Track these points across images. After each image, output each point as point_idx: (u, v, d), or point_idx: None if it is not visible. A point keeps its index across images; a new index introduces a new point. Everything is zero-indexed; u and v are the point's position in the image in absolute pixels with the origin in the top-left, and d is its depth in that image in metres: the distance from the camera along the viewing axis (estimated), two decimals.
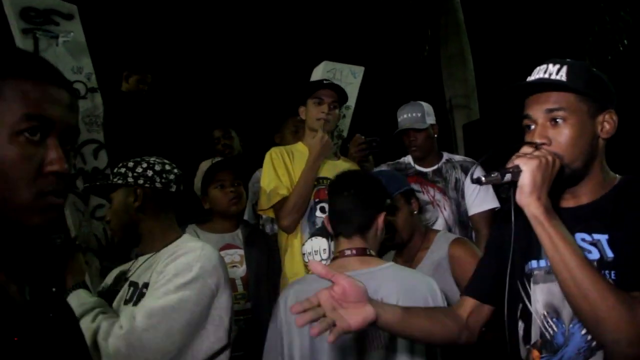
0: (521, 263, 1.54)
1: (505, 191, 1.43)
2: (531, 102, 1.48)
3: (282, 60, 8.03)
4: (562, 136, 1.41)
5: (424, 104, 3.38)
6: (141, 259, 1.95)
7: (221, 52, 8.10)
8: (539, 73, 1.49)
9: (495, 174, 1.34)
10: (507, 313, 1.47)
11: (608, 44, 7.17)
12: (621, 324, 1.23)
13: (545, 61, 1.50)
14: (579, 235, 1.42)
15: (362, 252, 1.95)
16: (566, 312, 1.44)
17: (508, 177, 1.33)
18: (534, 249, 1.51)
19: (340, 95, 2.92)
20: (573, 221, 1.39)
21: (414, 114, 3.30)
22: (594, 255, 1.40)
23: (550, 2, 7.65)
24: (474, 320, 1.65)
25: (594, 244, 1.42)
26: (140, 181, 1.92)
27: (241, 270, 2.83)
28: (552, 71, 1.46)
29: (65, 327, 1.07)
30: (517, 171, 1.33)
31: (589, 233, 1.43)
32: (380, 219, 1.99)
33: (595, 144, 1.46)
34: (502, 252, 1.60)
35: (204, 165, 2.96)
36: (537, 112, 1.45)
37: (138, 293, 1.81)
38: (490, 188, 3.22)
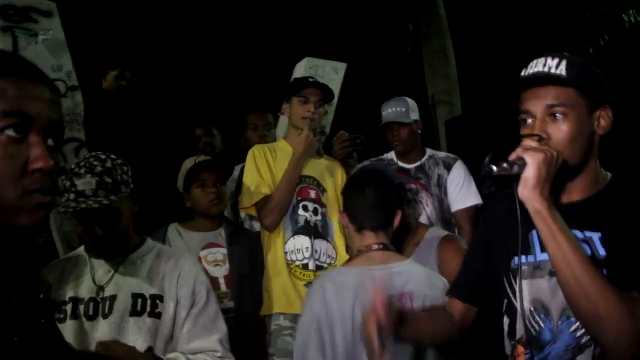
0: (506, 258, 1.53)
1: (488, 187, 1.41)
2: (529, 96, 1.44)
3: (263, 57, 8.00)
4: (562, 132, 1.38)
5: (408, 99, 3.38)
6: (106, 264, 1.89)
7: (202, 49, 8.05)
8: (537, 66, 1.45)
9: (505, 165, 1.30)
10: (493, 308, 1.49)
11: (589, 39, 7.23)
12: (622, 323, 1.22)
13: (543, 54, 1.46)
14: None
15: (386, 247, 2.01)
16: (555, 308, 1.43)
17: (515, 169, 1.30)
18: (523, 244, 1.48)
19: (325, 93, 2.90)
20: (565, 217, 1.34)
21: (398, 109, 3.30)
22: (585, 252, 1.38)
23: None
24: (463, 320, 1.67)
25: (586, 241, 1.40)
26: (132, 185, 1.88)
27: (224, 268, 2.80)
28: (551, 65, 1.42)
29: (55, 334, 1.07)
30: (521, 164, 1.29)
31: (581, 230, 1.41)
32: (399, 216, 2.08)
33: (592, 140, 1.44)
34: (487, 252, 1.61)
35: (188, 162, 2.92)
36: (537, 106, 1.41)
37: (150, 304, 1.82)
38: (472, 184, 3.24)
